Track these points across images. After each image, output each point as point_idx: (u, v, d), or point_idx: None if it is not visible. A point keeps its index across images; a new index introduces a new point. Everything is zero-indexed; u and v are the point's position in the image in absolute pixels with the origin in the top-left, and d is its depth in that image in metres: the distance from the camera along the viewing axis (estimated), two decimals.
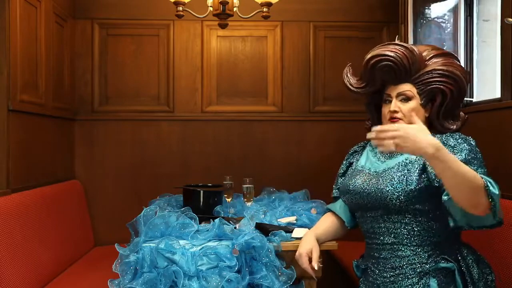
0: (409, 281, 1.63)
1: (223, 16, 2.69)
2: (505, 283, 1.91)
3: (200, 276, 1.71)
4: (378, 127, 1.40)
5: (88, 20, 3.47)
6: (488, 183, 1.45)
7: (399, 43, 1.75)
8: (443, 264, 1.62)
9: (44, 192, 2.73)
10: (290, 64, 3.57)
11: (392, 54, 1.70)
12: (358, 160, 1.88)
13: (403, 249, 1.66)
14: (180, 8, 2.62)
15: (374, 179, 1.71)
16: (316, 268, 1.71)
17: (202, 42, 3.53)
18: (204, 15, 2.77)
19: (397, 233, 1.67)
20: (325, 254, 1.93)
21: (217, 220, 1.92)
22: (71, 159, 3.42)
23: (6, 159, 2.41)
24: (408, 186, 1.62)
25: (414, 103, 1.72)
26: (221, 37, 3.54)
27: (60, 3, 3.13)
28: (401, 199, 1.62)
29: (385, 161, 1.76)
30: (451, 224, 1.56)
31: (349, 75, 1.89)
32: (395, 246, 1.67)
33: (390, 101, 1.75)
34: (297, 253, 1.76)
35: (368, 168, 1.79)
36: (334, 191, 1.96)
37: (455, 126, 1.76)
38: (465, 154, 1.57)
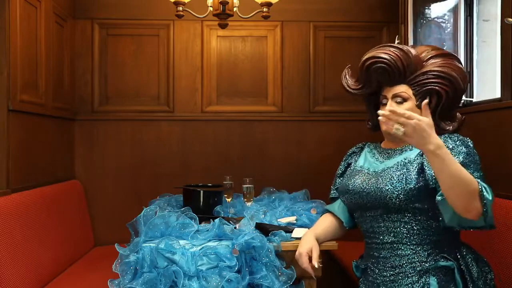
0: (409, 279, 1.64)
1: (223, 16, 2.69)
2: (505, 283, 1.91)
3: (200, 276, 1.71)
4: (394, 108, 1.39)
5: (88, 20, 3.47)
6: (483, 189, 1.46)
7: (395, 45, 1.76)
8: (442, 263, 1.63)
9: (44, 192, 2.73)
10: (290, 64, 3.57)
11: (386, 56, 1.72)
12: (356, 161, 1.89)
13: (402, 248, 1.67)
14: (180, 8, 2.62)
15: (373, 179, 1.72)
16: (316, 266, 1.71)
17: (202, 42, 3.53)
18: (204, 15, 2.77)
19: (397, 232, 1.67)
20: (325, 254, 1.94)
21: (217, 220, 1.93)
22: (71, 159, 3.42)
23: (6, 159, 2.41)
24: (407, 185, 1.63)
25: (410, 104, 1.73)
26: (221, 37, 3.54)
27: (60, 3, 3.13)
28: (401, 198, 1.63)
29: (383, 161, 1.77)
30: (441, 224, 1.58)
31: (347, 77, 1.91)
32: (394, 245, 1.68)
33: (387, 102, 1.77)
34: (297, 253, 1.76)
35: (367, 168, 1.80)
36: (332, 192, 1.98)
37: (451, 127, 1.76)
38: (462, 157, 1.57)
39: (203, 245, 1.80)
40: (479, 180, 1.48)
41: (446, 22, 2.96)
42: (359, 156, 1.91)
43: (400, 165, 1.69)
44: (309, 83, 3.57)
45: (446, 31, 2.97)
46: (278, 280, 1.76)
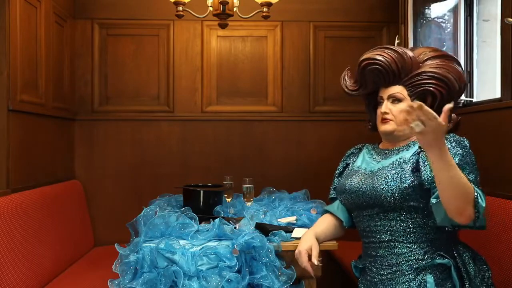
0: (406, 277, 1.66)
1: (223, 16, 2.69)
2: (503, 284, 1.91)
3: (200, 276, 1.71)
4: (424, 107, 1.35)
5: (88, 20, 3.47)
6: (478, 196, 1.48)
7: (391, 47, 1.79)
8: (439, 261, 1.65)
9: (44, 192, 2.73)
10: (290, 64, 3.57)
11: (380, 58, 1.76)
12: (354, 162, 1.92)
13: (399, 246, 1.68)
14: (180, 8, 2.62)
15: (369, 178, 1.74)
16: (316, 263, 1.72)
17: (202, 42, 3.53)
18: (204, 15, 2.77)
19: (393, 231, 1.69)
20: (325, 254, 1.94)
21: (217, 220, 1.93)
22: (71, 159, 3.42)
23: (6, 159, 2.41)
24: (402, 184, 1.65)
25: (405, 104, 1.75)
26: (221, 37, 3.54)
27: (60, 3, 3.13)
28: (396, 196, 1.65)
29: (380, 161, 1.80)
30: (435, 222, 1.60)
31: (346, 78, 1.94)
32: (391, 244, 1.70)
33: (382, 103, 1.80)
34: (296, 251, 1.77)
35: (364, 168, 1.83)
36: (331, 192, 2.00)
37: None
38: (458, 159, 1.58)
39: (203, 245, 1.80)
40: (474, 186, 1.50)
41: (446, 22, 2.96)
42: (357, 156, 1.94)
43: (395, 164, 1.71)
44: (309, 83, 3.57)
45: (446, 31, 2.97)
46: (278, 280, 1.76)
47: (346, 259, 2.85)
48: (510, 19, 2.12)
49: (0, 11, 2.37)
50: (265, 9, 2.69)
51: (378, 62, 1.76)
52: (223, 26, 2.74)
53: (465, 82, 1.82)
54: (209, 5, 2.72)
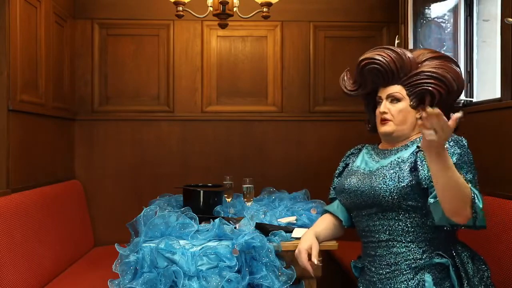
0: (404, 277, 1.67)
1: (223, 16, 2.69)
2: (503, 284, 1.91)
3: (200, 276, 1.71)
4: (442, 116, 1.33)
5: (88, 20, 3.47)
6: (475, 196, 1.49)
7: (390, 47, 1.81)
8: (437, 260, 1.66)
9: (44, 192, 2.73)
10: (290, 64, 3.57)
11: (379, 58, 1.78)
12: (354, 162, 1.93)
13: (397, 245, 1.69)
14: (180, 8, 2.62)
15: (367, 178, 1.76)
16: (315, 262, 1.72)
17: (202, 42, 3.53)
18: (204, 15, 2.77)
19: (392, 230, 1.70)
20: (325, 254, 1.94)
21: (217, 220, 1.93)
22: (71, 159, 3.42)
23: (6, 159, 2.41)
24: (400, 183, 1.66)
25: (404, 104, 1.78)
26: (221, 37, 3.54)
27: (60, 3, 3.13)
28: (394, 196, 1.66)
29: (379, 161, 1.81)
30: (433, 221, 1.60)
31: (345, 79, 1.96)
32: (390, 243, 1.70)
33: (381, 103, 1.82)
34: (296, 250, 1.77)
35: (363, 168, 1.84)
36: (331, 192, 2.01)
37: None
38: (456, 159, 1.59)
39: (203, 245, 1.80)
40: (471, 187, 1.51)
41: (446, 22, 2.96)
42: (356, 157, 1.95)
43: (394, 164, 1.72)
44: (309, 83, 3.57)
45: (446, 31, 2.96)
46: (278, 280, 1.76)
47: (346, 259, 2.85)
48: (510, 19, 2.12)
49: (0, 11, 2.37)
50: (265, 9, 2.69)
51: (377, 61, 1.77)
52: (223, 26, 2.74)
53: (463, 82, 1.84)
54: (209, 5, 2.72)
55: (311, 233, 1.82)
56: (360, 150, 1.97)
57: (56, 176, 3.08)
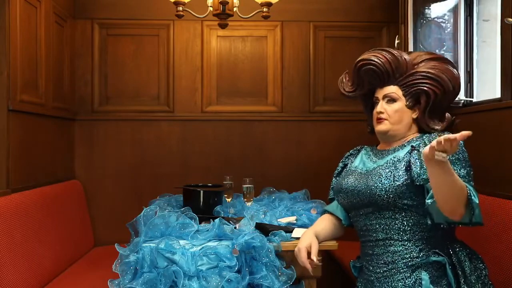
0: (401, 275, 1.68)
1: (223, 16, 2.69)
2: (503, 284, 1.91)
3: (200, 276, 1.71)
4: (455, 141, 1.36)
5: (88, 20, 3.47)
6: (471, 193, 1.51)
7: (387, 49, 1.85)
8: (434, 258, 1.67)
9: (44, 192, 2.73)
10: (290, 64, 3.57)
11: (375, 59, 1.81)
12: (352, 162, 1.96)
13: (394, 244, 1.71)
14: (180, 8, 2.62)
15: (364, 177, 1.78)
16: (315, 260, 1.72)
17: (202, 42, 3.53)
18: (204, 15, 2.77)
19: (389, 229, 1.72)
20: (325, 254, 1.94)
21: (217, 220, 1.93)
22: (71, 159, 3.42)
23: (6, 159, 2.41)
24: (395, 182, 1.68)
25: (400, 104, 1.82)
26: (221, 37, 3.54)
27: (60, 3, 3.13)
28: (389, 194, 1.68)
29: (376, 161, 1.83)
30: (429, 222, 1.63)
31: (344, 81, 2.00)
32: (387, 242, 1.72)
33: (378, 103, 1.85)
34: (296, 249, 1.78)
35: (360, 168, 1.87)
36: (330, 192, 2.03)
37: (440, 127, 1.83)
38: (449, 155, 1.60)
39: (203, 245, 1.80)
40: (466, 184, 1.54)
41: (446, 22, 2.96)
42: (355, 157, 1.98)
43: (389, 163, 1.75)
44: (309, 83, 3.57)
45: (446, 31, 2.96)
46: (278, 280, 1.76)
47: (346, 259, 2.85)
48: (510, 19, 2.12)
49: (0, 11, 2.37)
50: (265, 9, 2.69)
51: (373, 62, 1.81)
52: (223, 26, 2.74)
53: (459, 83, 1.87)
54: (209, 5, 2.72)
55: (311, 232, 1.83)
56: (359, 151, 2.00)
57: (56, 176, 3.08)
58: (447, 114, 1.86)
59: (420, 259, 1.68)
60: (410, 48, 2.92)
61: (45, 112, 2.88)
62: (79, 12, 3.46)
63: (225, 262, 1.74)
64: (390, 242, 1.71)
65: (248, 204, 2.50)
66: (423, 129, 1.84)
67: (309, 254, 1.74)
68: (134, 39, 3.50)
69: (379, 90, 1.86)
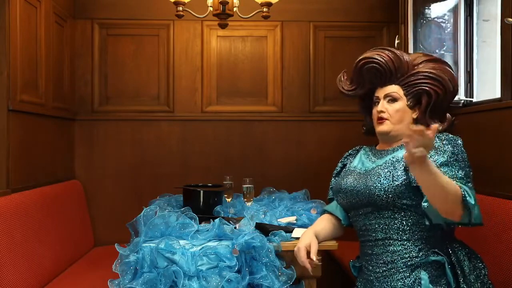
0: (400, 275, 1.68)
1: (223, 16, 2.69)
2: (502, 284, 1.91)
3: (200, 276, 1.71)
4: (425, 131, 1.34)
5: (88, 20, 3.47)
6: (466, 194, 1.52)
7: (388, 48, 1.85)
8: (433, 257, 1.67)
9: (44, 192, 2.73)
10: (290, 64, 3.57)
11: (378, 57, 1.81)
12: (351, 162, 1.96)
13: (394, 243, 1.71)
14: (180, 8, 2.62)
15: (363, 177, 1.78)
16: (314, 259, 1.72)
17: (202, 42, 3.53)
18: (204, 15, 2.77)
19: (388, 229, 1.72)
20: (324, 254, 1.94)
21: (217, 220, 1.93)
22: (71, 159, 3.42)
23: (6, 159, 2.41)
24: (394, 182, 1.68)
25: (401, 104, 1.81)
26: (221, 37, 3.54)
27: (60, 3, 3.13)
28: (388, 194, 1.68)
29: (375, 161, 1.83)
30: (427, 223, 1.63)
31: (342, 80, 1.99)
32: (386, 241, 1.72)
33: (379, 103, 1.84)
34: (295, 248, 1.78)
35: (359, 168, 1.87)
36: (329, 192, 2.03)
37: (441, 127, 1.82)
38: (447, 156, 1.63)
39: (203, 245, 1.80)
40: (461, 184, 1.55)
41: (446, 22, 2.96)
42: (354, 157, 1.98)
43: (388, 163, 1.75)
44: (309, 83, 3.57)
45: (446, 31, 2.96)
46: (278, 280, 1.76)
47: (345, 259, 2.85)
48: (510, 19, 2.12)
49: (0, 11, 2.37)
50: (265, 9, 2.69)
51: (376, 60, 1.80)
52: (223, 26, 2.74)
53: (457, 84, 1.89)
54: (209, 5, 2.72)
55: (311, 232, 1.83)
56: (358, 151, 2.00)
57: (56, 176, 3.08)
58: (448, 115, 1.86)
59: (419, 258, 1.68)
60: (410, 48, 2.92)
61: (45, 112, 2.88)
62: (79, 12, 3.46)
63: (225, 262, 1.74)
64: (390, 242, 1.71)
65: (248, 204, 2.50)
66: None
67: (308, 253, 1.74)
68: (134, 39, 3.50)
69: (379, 89, 1.85)
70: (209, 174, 3.43)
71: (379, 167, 1.76)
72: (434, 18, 3.01)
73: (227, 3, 2.64)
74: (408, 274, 1.67)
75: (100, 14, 3.48)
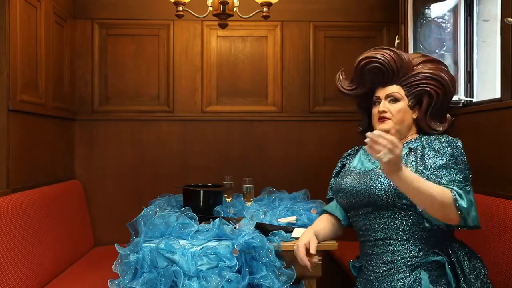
0: (400, 275, 1.69)
1: (223, 16, 2.69)
2: (502, 284, 1.91)
3: (200, 276, 1.71)
4: (385, 135, 1.44)
5: (88, 20, 3.47)
6: (458, 197, 1.53)
7: (389, 47, 1.85)
8: (433, 258, 1.67)
9: (44, 192, 2.73)
10: (290, 64, 3.57)
11: (380, 56, 1.80)
12: (351, 162, 1.96)
13: (394, 243, 1.71)
14: (180, 8, 2.62)
15: (363, 177, 1.78)
16: (313, 254, 1.72)
17: (202, 42, 3.53)
18: (204, 15, 2.77)
19: (388, 229, 1.72)
20: (324, 254, 1.94)
21: (217, 220, 1.93)
22: (71, 159, 3.42)
23: (6, 159, 2.41)
24: None
25: (402, 104, 1.81)
26: (221, 37, 3.54)
27: (60, 3, 3.13)
28: (388, 194, 1.68)
29: (375, 161, 1.82)
30: (427, 225, 1.65)
31: (341, 78, 1.99)
32: (386, 241, 1.72)
33: (379, 103, 1.84)
34: (295, 246, 1.78)
35: (359, 168, 1.87)
36: (328, 192, 2.03)
37: (441, 128, 1.84)
38: (446, 159, 1.64)
39: (203, 245, 1.80)
40: (453, 188, 1.56)
41: (446, 22, 2.96)
42: (354, 157, 1.98)
43: None
44: (309, 83, 3.57)
45: (446, 31, 2.96)
46: (278, 280, 1.76)
47: (345, 259, 2.85)
48: (510, 19, 2.12)
49: (0, 11, 2.37)
50: (265, 9, 2.69)
51: (378, 60, 1.80)
52: (223, 26, 2.74)
53: (456, 84, 1.88)
54: (209, 5, 2.72)
55: (310, 231, 1.84)
56: (357, 151, 2.00)
57: (56, 176, 3.08)
58: (448, 115, 1.86)
59: (419, 258, 1.68)
60: (410, 48, 2.92)
61: (45, 112, 2.88)
62: (79, 12, 3.46)
63: (225, 262, 1.74)
64: (390, 242, 1.71)
65: (248, 204, 2.50)
66: (423, 129, 1.84)
67: (308, 252, 1.74)
68: (134, 39, 3.50)
69: (380, 89, 1.85)
70: (209, 174, 3.43)
71: (379, 167, 1.75)
72: (434, 18, 3.01)
73: (227, 3, 2.64)
74: (408, 274, 1.67)
75: (100, 14, 3.48)
